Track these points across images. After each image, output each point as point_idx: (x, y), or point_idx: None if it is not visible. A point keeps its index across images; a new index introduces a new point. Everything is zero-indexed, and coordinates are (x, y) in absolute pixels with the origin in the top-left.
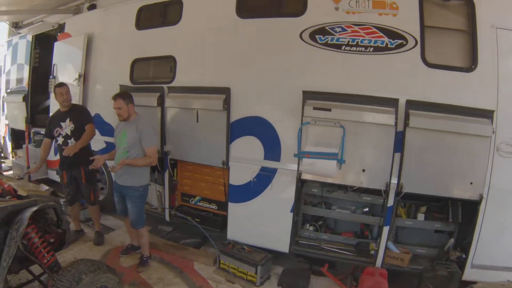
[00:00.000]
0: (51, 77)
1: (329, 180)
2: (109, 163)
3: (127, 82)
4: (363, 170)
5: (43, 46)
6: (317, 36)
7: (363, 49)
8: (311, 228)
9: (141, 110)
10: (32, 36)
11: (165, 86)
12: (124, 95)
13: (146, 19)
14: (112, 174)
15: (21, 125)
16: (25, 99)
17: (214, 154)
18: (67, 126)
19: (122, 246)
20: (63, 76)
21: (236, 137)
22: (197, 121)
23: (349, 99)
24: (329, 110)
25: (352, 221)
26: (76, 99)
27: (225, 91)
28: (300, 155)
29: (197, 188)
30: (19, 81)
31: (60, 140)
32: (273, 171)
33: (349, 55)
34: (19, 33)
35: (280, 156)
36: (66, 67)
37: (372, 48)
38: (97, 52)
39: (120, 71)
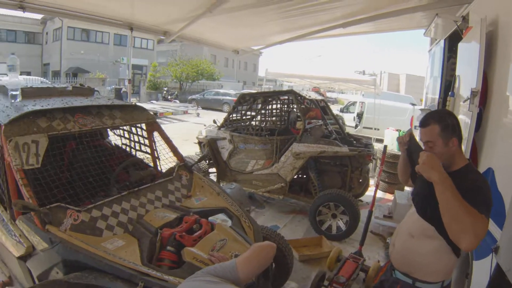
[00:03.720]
0: (450, 94)
1: None
2: None
3: None
4: None
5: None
6: None
7: None
8: None
9: None
10: (444, 40)
11: None
12: (443, 117)
13: None
14: None
15: None
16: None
17: None
18: None
19: None
20: (465, 92)
21: None
22: None
23: None
24: None
25: None
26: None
27: None
28: None
29: None
30: (433, 98)
31: None
32: None
33: None
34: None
35: None
36: (465, 79)
37: None
38: (504, 49)
39: None
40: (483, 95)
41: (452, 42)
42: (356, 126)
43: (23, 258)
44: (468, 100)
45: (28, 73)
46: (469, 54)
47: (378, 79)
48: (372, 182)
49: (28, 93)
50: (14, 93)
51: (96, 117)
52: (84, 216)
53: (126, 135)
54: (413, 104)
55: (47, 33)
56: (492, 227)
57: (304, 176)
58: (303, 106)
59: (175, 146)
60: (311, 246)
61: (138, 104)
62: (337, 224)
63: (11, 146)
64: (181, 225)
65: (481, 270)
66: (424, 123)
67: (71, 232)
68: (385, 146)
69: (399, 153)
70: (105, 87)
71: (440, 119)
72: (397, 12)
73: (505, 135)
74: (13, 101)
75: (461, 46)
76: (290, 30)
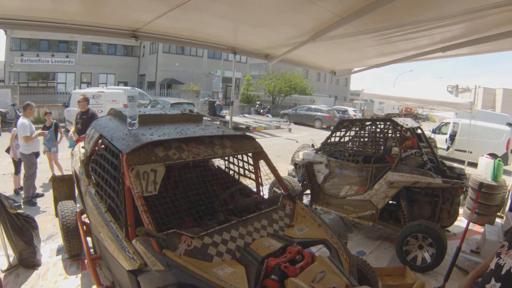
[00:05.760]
0: None
1: None
2: None
3: None
4: None
5: None
6: None
7: None
8: None
9: None
10: None
11: None
12: None
13: None
14: None
15: None
16: None
17: None
18: None
19: None
20: None
21: None
22: None
23: None
24: None
25: None
26: None
27: None
28: None
29: None
30: None
31: None
32: None
33: None
34: None
35: None
36: None
37: None
38: None
39: None
40: None
41: None
42: (448, 148)
43: (133, 272)
44: None
45: (125, 83)
46: None
47: (472, 94)
48: (461, 211)
49: (144, 119)
50: (132, 121)
51: (208, 147)
52: (197, 243)
53: (231, 158)
54: (511, 125)
55: (144, 47)
56: None
57: (394, 203)
58: (400, 135)
59: (280, 176)
60: (394, 276)
61: (248, 134)
62: (423, 256)
63: (133, 174)
64: (284, 254)
65: None
66: None
67: (184, 257)
68: (481, 184)
69: (493, 183)
70: (199, 99)
71: None
72: (502, 35)
73: None
74: (130, 128)
75: None
76: (388, 54)
